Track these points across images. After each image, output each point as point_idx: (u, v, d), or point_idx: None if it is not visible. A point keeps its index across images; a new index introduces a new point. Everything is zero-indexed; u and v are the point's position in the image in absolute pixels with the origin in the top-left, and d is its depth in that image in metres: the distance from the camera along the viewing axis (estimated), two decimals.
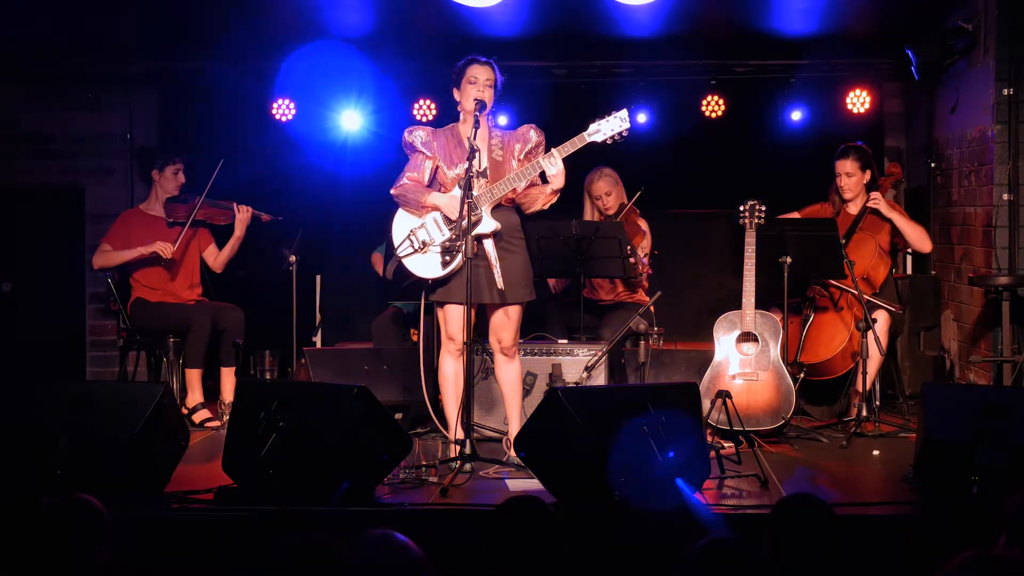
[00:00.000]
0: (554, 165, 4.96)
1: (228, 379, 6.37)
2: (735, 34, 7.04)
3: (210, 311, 6.42)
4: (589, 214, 6.63)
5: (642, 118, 7.22)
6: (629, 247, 6.17)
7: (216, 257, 6.62)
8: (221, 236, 6.65)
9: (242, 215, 6.50)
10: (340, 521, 3.99)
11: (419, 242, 5.12)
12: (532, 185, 5.10)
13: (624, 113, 5.03)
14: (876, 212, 6.13)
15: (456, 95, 5.15)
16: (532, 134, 5.16)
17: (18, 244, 7.47)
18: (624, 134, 5.04)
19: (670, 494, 4.23)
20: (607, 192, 6.53)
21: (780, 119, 7.34)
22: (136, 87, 7.52)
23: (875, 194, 6.10)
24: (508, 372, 5.23)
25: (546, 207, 5.18)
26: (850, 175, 6.16)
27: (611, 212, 6.54)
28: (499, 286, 5.04)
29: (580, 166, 6.23)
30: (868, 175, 6.19)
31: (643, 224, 6.60)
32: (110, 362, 7.42)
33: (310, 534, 2.61)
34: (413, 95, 7.34)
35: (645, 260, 6.37)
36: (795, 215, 6.33)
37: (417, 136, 5.19)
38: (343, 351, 6.50)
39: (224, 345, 6.37)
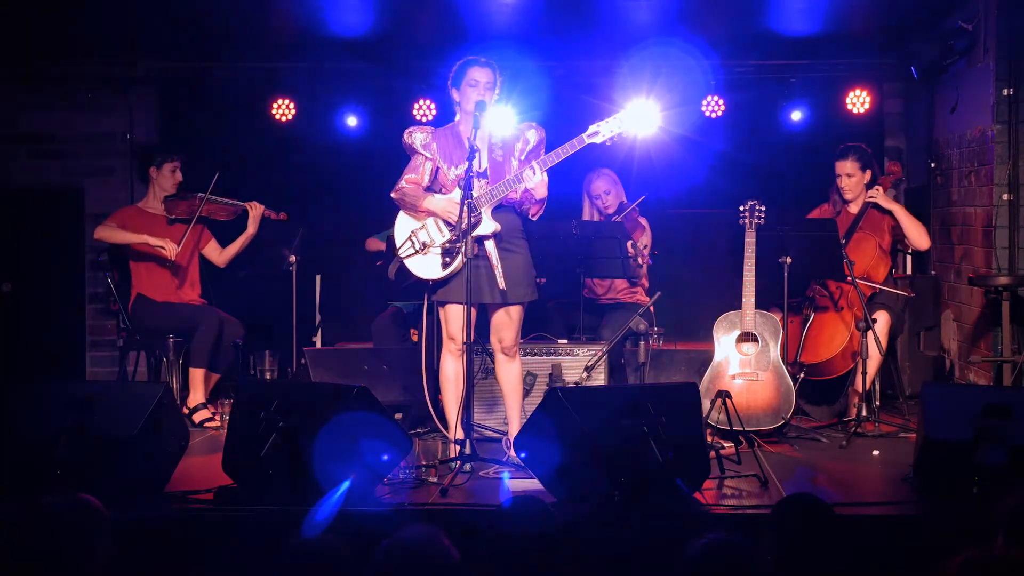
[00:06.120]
0: (530, 178, 4.93)
1: (211, 381, 6.38)
2: (735, 34, 7.04)
3: (217, 314, 6.40)
4: (588, 214, 6.63)
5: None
6: (630, 241, 6.17)
7: (221, 253, 6.59)
8: (220, 234, 6.64)
9: (255, 211, 6.48)
10: (340, 521, 3.98)
11: (420, 243, 5.11)
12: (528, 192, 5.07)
13: (623, 114, 5.01)
14: (876, 206, 6.10)
15: (454, 95, 5.12)
16: (531, 133, 5.13)
17: (18, 244, 7.47)
18: (623, 134, 5.04)
19: (670, 494, 4.23)
20: (606, 191, 6.53)
21: (780, 119, 7.34)
22: (136, 87, 7.53)
23: (876, 188, 6.09)
24: (508, 372, 5.23)
25: (535, 218, 5.16)
26: (850, 175, 6.14)
27: (610, 211, 6.54)
28: (501, 286, 5.03)
29: (579, 167, 6.23)
30: (868, 175, 6.18)
31: (643, 221, 6.61)
32: (110, 362, 7.42)
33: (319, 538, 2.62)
34: (413, 95, 7.34)
35: (645, 252, 6.35)
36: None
37: (416, 137, 5.17)
38: (343, 351, 6.50)
39: (220, 349, 6.36)
